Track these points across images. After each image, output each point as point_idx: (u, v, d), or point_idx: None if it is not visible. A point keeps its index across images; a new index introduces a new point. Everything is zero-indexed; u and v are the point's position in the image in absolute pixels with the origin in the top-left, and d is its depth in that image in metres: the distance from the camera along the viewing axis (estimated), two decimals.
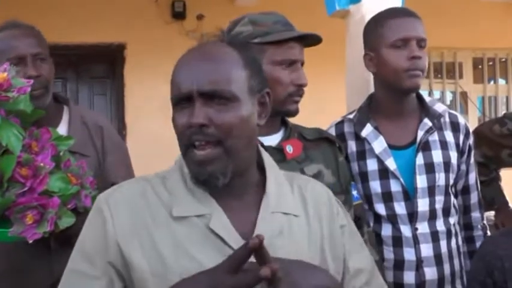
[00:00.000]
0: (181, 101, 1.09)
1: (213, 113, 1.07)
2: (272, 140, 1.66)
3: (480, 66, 6.33)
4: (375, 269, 1.28)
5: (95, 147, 2.02)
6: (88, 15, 5.05)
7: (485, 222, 2.03)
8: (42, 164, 1.49)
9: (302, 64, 1.66)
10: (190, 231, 1.08)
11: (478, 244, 1.96)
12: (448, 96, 6.24)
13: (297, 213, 1.18)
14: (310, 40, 1.66)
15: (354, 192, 1.77)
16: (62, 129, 1.98)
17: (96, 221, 1.12)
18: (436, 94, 6.13)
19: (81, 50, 5.15)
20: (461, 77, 6.19)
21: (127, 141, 4.76)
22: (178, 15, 5.28)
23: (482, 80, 6.31)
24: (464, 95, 6.24)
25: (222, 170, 1.08)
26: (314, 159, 1.68)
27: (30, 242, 1.48)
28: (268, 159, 1.25)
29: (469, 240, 1.98)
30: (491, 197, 2.57)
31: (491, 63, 6.37)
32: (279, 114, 1.65)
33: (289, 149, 1.64)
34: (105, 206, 1.12)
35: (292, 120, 1.76)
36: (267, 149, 1.62)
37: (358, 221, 1.72)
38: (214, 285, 0.97)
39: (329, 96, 4.67)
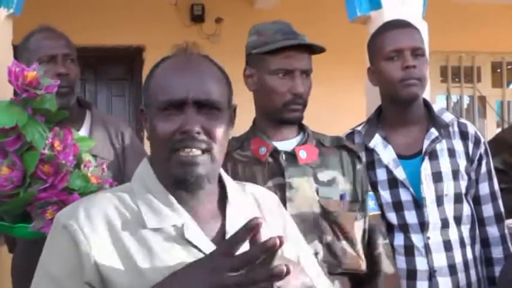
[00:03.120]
0: (170, 107, 1.12)
1: (204, 121, 1.12)
2: (288, 145, 1.69)
3: (499, 70, 6.28)
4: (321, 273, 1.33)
5: (116, 151, 2.05)
6: (107, 17, 5.09)
7: (508, 245, 1.95)
8: (63, 162, 1.53)
9: (306, 72, 1.68)
10: (166, 242, 1.08)
11: (497, 269, 1.89)
12: (466, 101, 6.21)
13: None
14: (316, 48, 1.69)
15: (372, 203, 1.77)
16: (84, 132, 2.02)
17: (63, 242, 1.07)
18: (454, 98, 6.10)
19: (100, 51, 5.19)
20: (479, 81, 6.14)
21: (144, 143, 4.78)
22: (197, 19, 5.30)
23: (501, 84, 6.25)
24: (482, 99, 6.19)
25: (207, 174, 1.13)
26: (330, 165, 1.70)
27: None
28: (222, 170, 1.27)
29: (487, 262, 1.94)
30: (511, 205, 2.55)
31: (510, 67, 6.32)
32: (280, 121, 1.69)
33: (302, 154, 1.67)
34: (75, 225, 1.07)
35: (311, 126, 1.78)
36: (280, 153, 1.65)
37: (372, 233, 1.74)
38: (214, 268, 0.95)
39: (348, 101, 4.67)
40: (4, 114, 1.48)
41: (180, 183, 1.12)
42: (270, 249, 0.93)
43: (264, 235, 1.16)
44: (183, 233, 1.09)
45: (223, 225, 1.16)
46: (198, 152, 1.11)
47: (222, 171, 1.25)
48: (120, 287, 1.03)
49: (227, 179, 1.25)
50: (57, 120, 1.64)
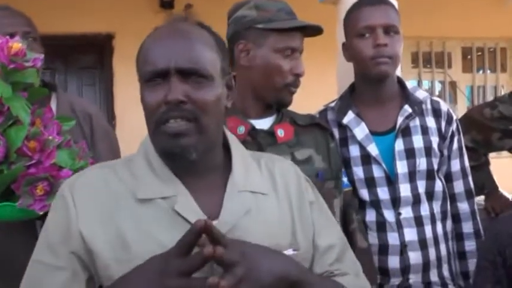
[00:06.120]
0: (154, 77, 1.08)
1: (190, 90, 1.07)
2: (264, 123, 1.67)
3: (469, 56, 6.37)
4: (346, 245, 1.27)
5: (84, 134, 2.01)
6: (76, 4, 5.01)
7: (478, 221, 1.97)
8: (50, 138, 1.48)
9: (301, 53, 1.67)
10: (156, 214, 1.07)
11: (467, 243, 1.93)
12: (437, 86, 6.28)
13: (265, 192, 1.17)
14: (310, 30, 1.67)
15: (344, 179, 1.78)
16: None
17: (60, 209, 1.10)
18: (425, 83, 6.16)
19: (69, 40, 5.12)
20: (450, 66, 6.23)
21: (117, 131, 4.73)
22: (167, 5, 5.25)
23: (471, 69, 6.35)
24: (453, 85, 6.28)
25: (194, 144, 1.08)
26: (305, 144, 1.68)
27: (41, 213, 1.45)
28: (233, 140, 1.24)
29: (457, 237, 1.96)
30: (481, 181, 2.58)
31: (480, 53, 6.42)
32: (274, 103, 1.67)
33: (280, 132, 1.65)
34: (68, 193, 1.10)
35: None
36: (259, 132, 1.63)
37: (348, 208, 1.75)
38: (163, 270, 0.97)
39: (320, 82, 4.67)
40: None
41: (168, 155, 1.10)
42: (208, 257, 0.96)
43: (273, 212, 1.16)
44: (174, 205, 1.08)
45: (222, 198, 1.12)
46: (183, 123, 1.07)
47: (231, 140, 1.22)
48: (104, 258, 1.04)
49: (236, 150, 1.21)
50: (38, 98, 1.58)
